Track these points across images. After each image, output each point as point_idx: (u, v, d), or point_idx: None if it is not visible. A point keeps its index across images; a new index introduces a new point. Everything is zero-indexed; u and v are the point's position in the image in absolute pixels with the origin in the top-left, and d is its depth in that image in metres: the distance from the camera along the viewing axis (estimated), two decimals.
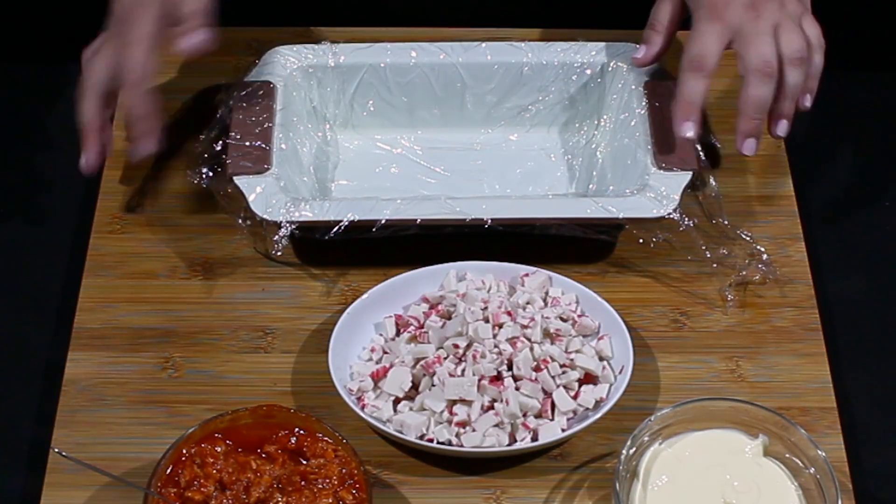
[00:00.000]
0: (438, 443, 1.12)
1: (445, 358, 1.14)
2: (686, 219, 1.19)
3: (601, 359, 1.16)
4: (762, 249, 1.22)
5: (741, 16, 1.16)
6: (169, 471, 1.06)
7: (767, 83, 1.15)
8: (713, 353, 1.20)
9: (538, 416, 1.13)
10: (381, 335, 1.18)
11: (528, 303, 1.17)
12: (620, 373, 1.14)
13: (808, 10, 1.19)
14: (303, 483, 1.06)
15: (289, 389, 1.17)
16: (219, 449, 1.07)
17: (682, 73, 1.17)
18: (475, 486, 1.12)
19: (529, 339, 1.14)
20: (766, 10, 1.16)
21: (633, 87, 1.27)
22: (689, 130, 1.18)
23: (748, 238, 1.22)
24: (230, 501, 1.05)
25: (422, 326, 1.17)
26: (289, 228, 1.18)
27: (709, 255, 1.21)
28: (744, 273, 1.22)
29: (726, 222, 1.23)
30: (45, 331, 1.23)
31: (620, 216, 1.18)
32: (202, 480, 1.05)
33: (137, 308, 1.21)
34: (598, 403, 1.14)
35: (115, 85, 1.17)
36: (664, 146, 1.22)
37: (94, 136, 1.19)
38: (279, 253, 1.19)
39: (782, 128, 1.18)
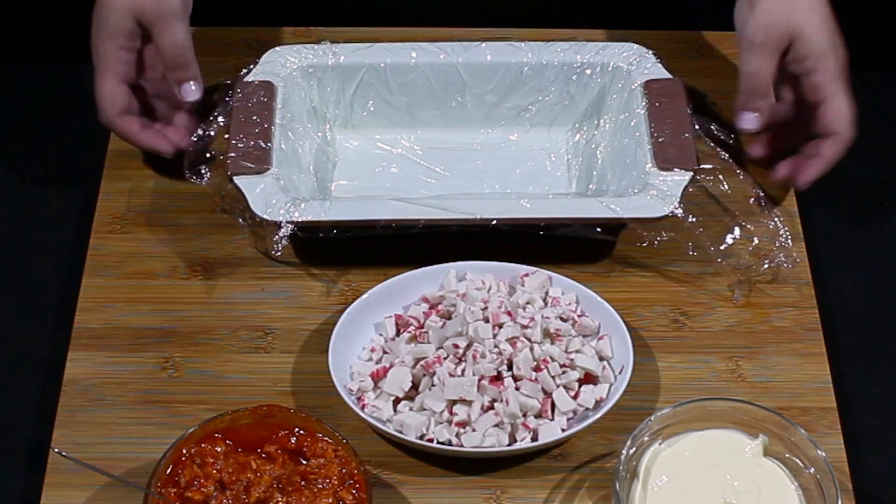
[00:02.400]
0: (438, 443, 1.12)
1: (445, 358, 1.14)
2: (690, 216, 1.19)
3: (601, 359, 1.16)
4: (782, 229, 1.22)
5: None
6: (169, 471, 1.06)
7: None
8: (713, 353, 1.20)
9: (538, 416, 1.13)
10: (381, 335, 1.18)
11: (528, 303, 1.17)
12: (620, 373, 1.14)
13: None
14: (303, 483, 1.06)
15: (289, 389, 1.17)
16: (219, 449, 1.07)
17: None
18: (475, 486, 1.12)
19: (529, 339, 1.14)
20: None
21: (633, 87, 1.27)
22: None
23: (776, 218, 1.22)
24: (230, 501, 1.05)
25: (422, 326, 1.17)
26: (289, 228, 1.18)
27: (713, 250, 1.21)
28: (750, 267, 1.22)
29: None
30: (45, 331, 1.23)
31: (626, 216, 1.18)
32: (202, 480, 1.05)
33: (137, 308, 1.21)
34: (598, 403, 1.14)
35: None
36: (664, 146, 1.22)
37: (145, 138, 1.24)
38: (279, 253, 1.19)
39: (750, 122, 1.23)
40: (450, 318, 1.16)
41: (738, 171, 1.24)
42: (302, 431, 1.08)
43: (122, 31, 1.20)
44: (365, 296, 1.18)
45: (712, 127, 1.25)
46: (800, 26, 1.18)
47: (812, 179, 1.22)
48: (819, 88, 1.19)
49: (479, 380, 1.12)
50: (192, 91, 1.23)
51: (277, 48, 1.29)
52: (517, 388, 1.13)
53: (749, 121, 1.22)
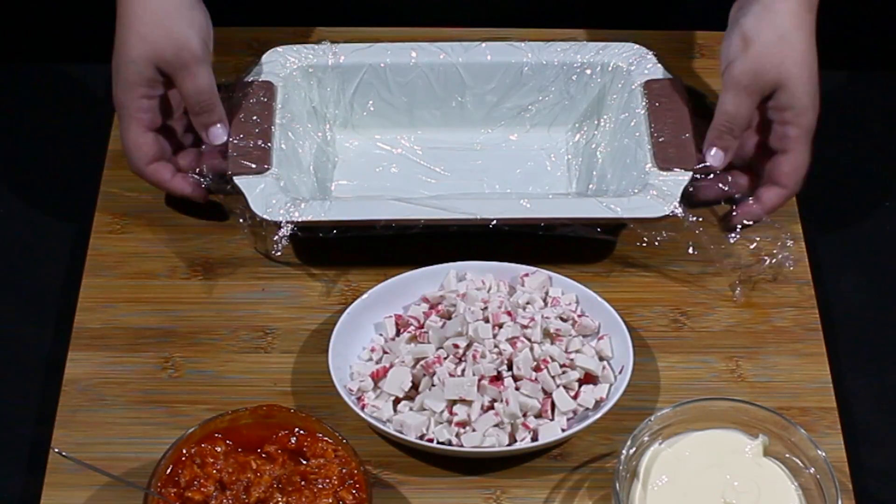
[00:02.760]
0: (438, 443, 1.12)
1: (445, 358, 1.14)
2: (691, 216, 1.19)
3: (601, 359, 1.16)
4: (782, 229, 1.23)
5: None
6: (169, 471, 1.06)
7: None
8: (713, 353, 1.20)
9: (538, 416, 1.13)
10: (381, 335, 1.18)
11: (528, 303, 1.17)
12: (620, 373, 1.14)
13: None
14: (303, 483, 1.06)
15: (289, 389, 1.17)
16: (219, 449, 1.07)
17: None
18: (475, 486, 1.12)
19: (529, 339, 1.14)
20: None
21: (633, 87, 1.27)
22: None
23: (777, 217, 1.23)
24: (230, 501, 1.05)
25: (422, 326, 1.17)
26: (289, 228, 1.18)
27: (713, 249, 1.21)
28: (751, 266, 1.22)
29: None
30: (45, 331, 1.23)
31: (626, 216, 1.18)
32: (202, 480, 1.05)
33: (137, 308, 1.21)
34: (598, 403, 1.14)
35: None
36: (664, 146, 1.22)
37: (177, 185, 1.22)
38: (279, 253, 1.19)
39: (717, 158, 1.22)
40: (450, 318, 1.16)
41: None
42: (302, 431, 1.08)
43: (142, 81, 1.18)
44: (365, 296, 1.18)
45: None
46: (787, 77, 1.17)
47: (745, 224, 1.22)
48: (787, 140, 1.19)
49: (479, 380, 1.12)
50: (219, 134, 1.21)
51: (277, 48, 1.29)
52: (517, 388, 1.13)
53: (716, 158, 1.21)
